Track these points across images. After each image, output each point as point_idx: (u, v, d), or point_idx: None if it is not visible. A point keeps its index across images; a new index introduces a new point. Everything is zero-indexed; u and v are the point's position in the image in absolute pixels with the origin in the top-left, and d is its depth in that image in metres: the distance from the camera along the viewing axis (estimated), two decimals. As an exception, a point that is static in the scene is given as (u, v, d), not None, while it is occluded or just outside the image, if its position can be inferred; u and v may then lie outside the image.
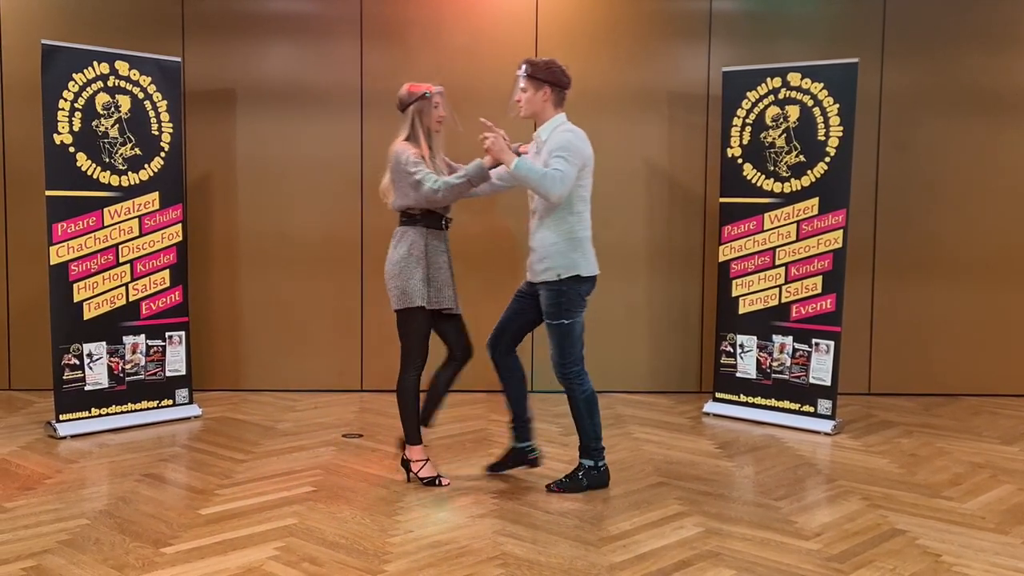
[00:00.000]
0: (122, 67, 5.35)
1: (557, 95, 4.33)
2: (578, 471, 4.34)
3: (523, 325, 4.48)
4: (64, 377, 5.22)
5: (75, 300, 5.24)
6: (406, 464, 4.38)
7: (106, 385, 5.38)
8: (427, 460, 4.37)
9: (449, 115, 4.36)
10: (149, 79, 5.47)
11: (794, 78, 5.54)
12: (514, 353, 4.49)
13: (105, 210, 5.32)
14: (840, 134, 5.40)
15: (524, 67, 4.29)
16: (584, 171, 4.24)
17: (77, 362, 5.27)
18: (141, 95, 5.44)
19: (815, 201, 5.49)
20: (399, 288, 4.22)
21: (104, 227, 5.32)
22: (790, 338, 5.60)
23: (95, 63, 5.25)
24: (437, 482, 4.33)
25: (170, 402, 5.62)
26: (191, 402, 5.71)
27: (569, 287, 4.23)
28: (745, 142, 5.72)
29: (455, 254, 4.48)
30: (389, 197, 4.31)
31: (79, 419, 5.26)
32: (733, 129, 5.76)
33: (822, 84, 5.44)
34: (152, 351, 5.55)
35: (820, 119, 5.46)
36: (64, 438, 5.13)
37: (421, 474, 4.34)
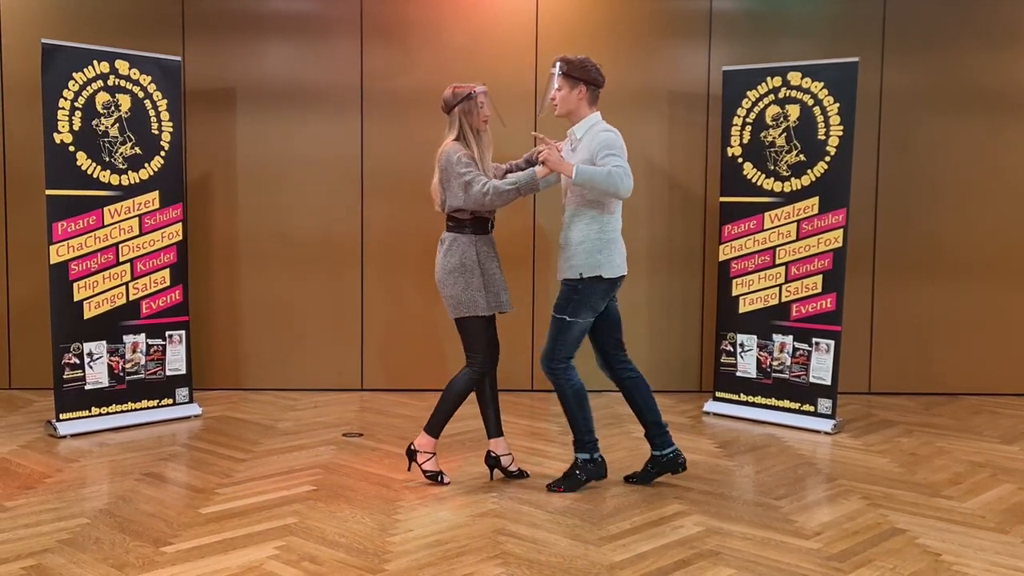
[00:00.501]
0: (122, 66, 5.35)
1: (592, 93, 4.33)
2: (574, 467, 4.34)
3: (611, 327, 4.45)
4: (64, 376, 5.22)
5: (75, 299, 5.24)
6: (412, 453, 4.39)
7: (106, 384, 5.38)
8: (434, 455, 4.38)
9: (494, 114, 4.37)
10: (149, 78, 5.47)
11: (794, 77, 5.53)
12: (624, 360, 4.46)
13: (105, 209, 5.32)
14: (840, 133, 5.40)
15: (559, 65, 4.26)
16: None
17: (77, 361, 5.27)
18: (141, 94, 5.44)
19: (815, 200, 5.49)
20: (455, 298, 4.24)
21: (104, 226, 5.32)
22: (790, 337, 5.60)
23: (95, 62, 5.25)
24: (439, 479, 4.34)
25: (170, 401, 5.62)
26: (191, 401, 5.71)
27: (587, 287, 4.24)
28: (745, 141, 5.72)
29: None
30: (438, 198, 4.29)
31: (79, 418, 5.26)
32: (733, 128, 5.76)
33: (822, 83, 5.44)
34: (152, 350, 5.55)
35: (820, 118, 5.46)
36: (64, 437, 5.13)
37: (425, 466, 4.35)
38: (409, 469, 4.41)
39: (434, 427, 4.38)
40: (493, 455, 4.47)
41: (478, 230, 4.28)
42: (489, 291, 4.28)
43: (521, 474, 4.49)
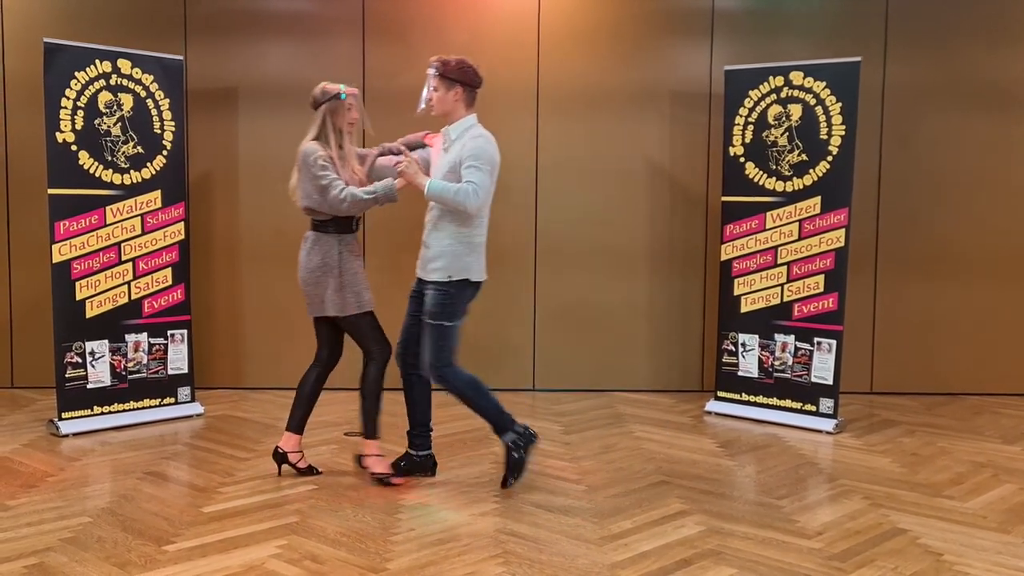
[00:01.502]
0: (124, 65, 5.36)
1: (468, 95, 4.28)
2: (509, 452, 4.31)
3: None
4: (66, 375, 5.23)
5: (77, 298, 5.24)
6: (360, 458, 4.42)
7: (108, 383, 5.38)
8: (302, 453, 4.45)
9: (362, 117, 4.34)
10: (151, 77, 5.47)
11: (796, 76, 5.53)
12: (419, 360, 4.38)
13: (107, 208, 5.33)
14: (842, 133, 5.40)
15: (435, 66, 4.22)
16: (492, 177, 4.23)
17: (79, 360, 5.28)
18: (143, 93, 5.44)
19: (817, 200, 5.48)
20: (318, 297, 4.25)
21: (106, 225, 5.33)
22: (792, 337, 5.60)
23: (97, 61, 5.25)
24: (387, 480, 4.34)
25: (172, 400, 5.63)
26: (193, 400, 5.72)
27: (457, 290, 4.22)
28: (747, 141, 5.72)
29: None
30: (296, 196, 4.27)
31: (81, 417, 5.26)
32: (735, 128, 5.76)
33: (824, 83, 5.43)
34: (154, 349, 5.56)
35: (822, 118, 5.45)
36: (66, 436, 5.13)
37: (374, 469, 4.35)
38: (363, 467, 4.42)
39: (372, 429, 4.37)
40: (281, 451, 4.45)
41: (342, 229, 4.26)
42: (349, 291, 4.24)
43: (311, 470, 4.48)
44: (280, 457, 4.45)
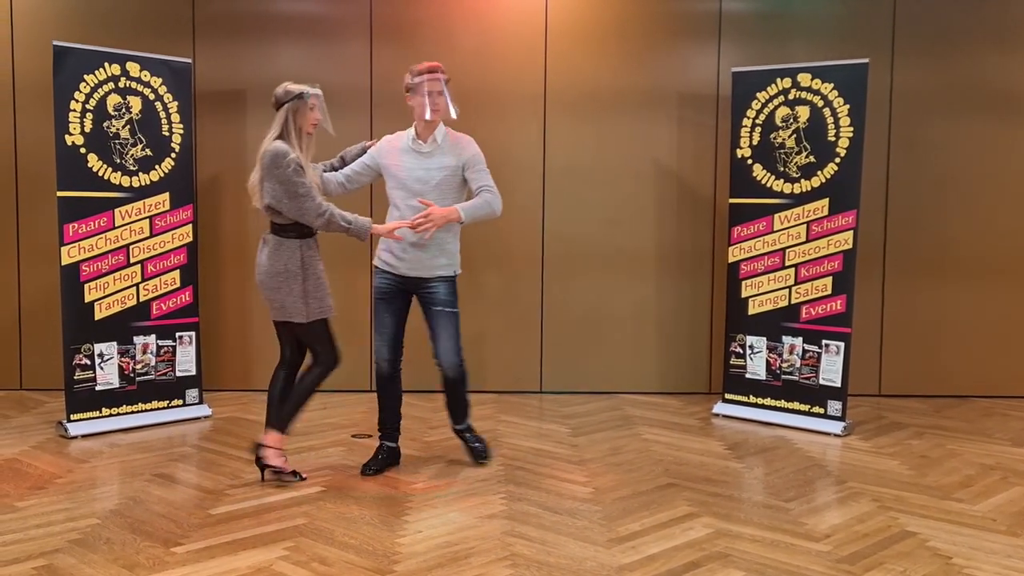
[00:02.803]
0: (133, 68, 5.37)
1: None
2: (478, 439, 4.75)
3: (404, 327, 4.66)
4: (75, 377, 5.24)
5: (86, 300, 5.26)
6: (260, 456, 4.33)
7: (117, 385, 5.40)
8: (282, 451, 4.39)
9: (324, 118, 4.32)
10: (160, 80, 5.49)
11: (804, 78, 5.52)
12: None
13: (116, 211, 5.34)
14: (850, 135, 5.39)
15: (444, 76, 4.42)
16: None
17: (88, 362, 5.29)
18: (152, 96, 5.46)
19: (825, 202, 5.47)
20: (279, 302, 4.22)
21: (115, 228, 5.34)
22: (800, 339, 5.59)
23: (106, 64, 5.27)
24: (296, 476, 4.35)
25: (180, 402, 5.64)
26: (201, 402, 5.73)
27: (456, 280, 4.56)
28: (755, 143, 5.71)
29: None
30: (256, 195, 4.22)
31: (90, 419, 5.28)
32: (743, 130, 5.75)
33: (832, 84, 5.43)
34: (162, 351, 5.57)
35: (830, 119, 5.45)
36: (75, 438, 5.15)
37: (270, 460, 4.31)
38: (263, 478, 4.36)
39: (284, 424, 4.32)
40: (262, 445, 4.39)
41: (304, 233, 4.23)
42: (313, 297, 4.23)
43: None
44: (259, 459, 4.36)
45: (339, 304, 6.38)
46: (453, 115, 4.38)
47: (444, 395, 4.69)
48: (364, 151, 4.67)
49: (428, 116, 4.35)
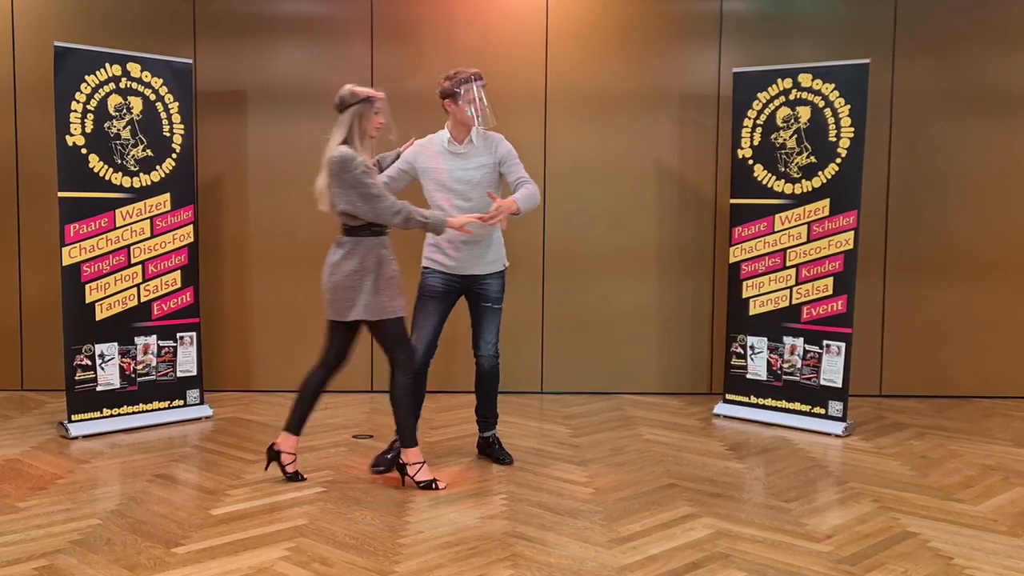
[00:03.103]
0: (134, 69, 5.38)
1: None
2: (498, 441, 4.80)
3: (442, 328, 4.68)
4: (76, 378, 5.24)
5: (87, 301, 5.26)
6: (402, 468, 4.34)
7: (118, 386, 5.40)
8: (423, 463, 4.34)
9: (388, 123, 4.32)
10: (160, 81, 5.49)
11: (805, 79, 5.52)
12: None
13: (117, 211, 5.35)
14: (851, 135, 5.39)
15: (482, 80, 4.51)
16: None
17: (89, 363, 5.30)
18: (153, 97, 5.46)
19: (826, 202, 5.47)
20: (352, 300, 4.17)
21: (116, 228, 5.35)
22: (801, 340, 5.59)
23: (107, 65, 5.28)
24: (434, 485, 4.31)
25: (181, 403, 5.64)
26: (202, 403, 5.73)
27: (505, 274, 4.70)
28: (756, 143, 5.71)
29: None
30: (326, 201, 4.21)
31: (91, 419, 5.28)
32: (744, 130, 5.75)
33: (833, 85, 5.42)
34: (163, 352, 5.57)
35: (831, 120, 5.44)
36: (76, 438, 5.15)
37: (417, 477, 4.31)
38: (403, 484, 4.36)
39: (408, 437, 4.30)
40: (276, 449, 4.40)
41: (377, 232, 4.22)
42: (386, 295, 4.21)
43: (297, 476, 4.43)
44: (274, 454, 4.40)
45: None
46: (494, 122, 4.45)
47: (477, 396, 4.74)
48: (399, 156, 4.65)
49: (479, 123, 4.42)
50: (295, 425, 4.40)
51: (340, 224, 4.25)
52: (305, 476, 4.43)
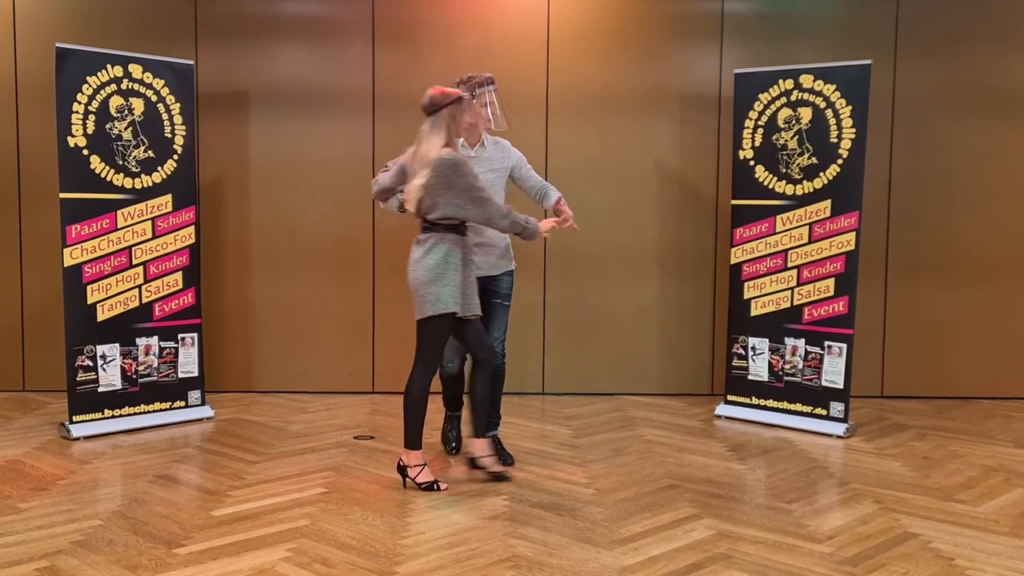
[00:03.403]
0: (135, 70, 5.38)
1: None
2: (499, 441, 4.79)
3: None
4: (78, 378, 5.25)
5: (89, 302, 5.27)
6: (402, 469, 4.33)
7: (119, 386, 5.40)
8: (424, 465, 4.34)
9: (497, 116, 4.51)
10: (162, 82, 5.49)
11: (806, 80, 5.52)
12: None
13: (119, 212, 5.35)
14: (853, 136, 5.38)
15: (495, 85, 4.59)
16: None
17: (91, 363, 5.30)
18: (154, 98, 5.47)
19: (827, 203, 5.47)
20: (434, 295, 4.15)
21: (117, 229, 5.35)
22: (802, 340, 5.58)
23: (109, 66, 5.28)
24: (435, 487, 4.31)
25: (183, 403, 5.64)
26: (203, 404, 5.73)
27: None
28: (757, 144, 5.71)
29: None
30: (415, 200, 4.16)
31: (92, 420, 5.28)
32: (745, 131, 5.75)
33: (835, 86, 5.42)
34: (165, 353, 5.57)
35: (832, 121, 5.44)
36: (77, 439, 5.15)
37: (419, 479, 4.31)
38: (405, 485, 4.35)
39: (412, 440, 4.28)
40: (471, 456, 4.45)
41: (460, 231, 4.23)
42: (465, 293, 4.22)
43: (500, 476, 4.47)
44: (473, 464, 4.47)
45: (340, 305, 6.41)
46: (506, 125, 4.55)
47: (473, 397, 4.72)
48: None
49: (496, 126, 4.50)
50: (482, 430, 4.45)
51: (419, 223, 4.27)
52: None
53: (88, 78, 5.21)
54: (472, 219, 4.17)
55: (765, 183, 5.68)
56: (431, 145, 4.13)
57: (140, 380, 5.48)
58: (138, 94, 5.40)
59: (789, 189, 5.60)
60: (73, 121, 5.18)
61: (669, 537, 3.73)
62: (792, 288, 5.61)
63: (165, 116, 5.52)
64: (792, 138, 5.58)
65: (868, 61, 5.40)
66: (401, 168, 4.32)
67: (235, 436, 5.28)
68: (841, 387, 5.43)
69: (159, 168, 5.50)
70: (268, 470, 4.60)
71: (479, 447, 4.45)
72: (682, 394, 6.43)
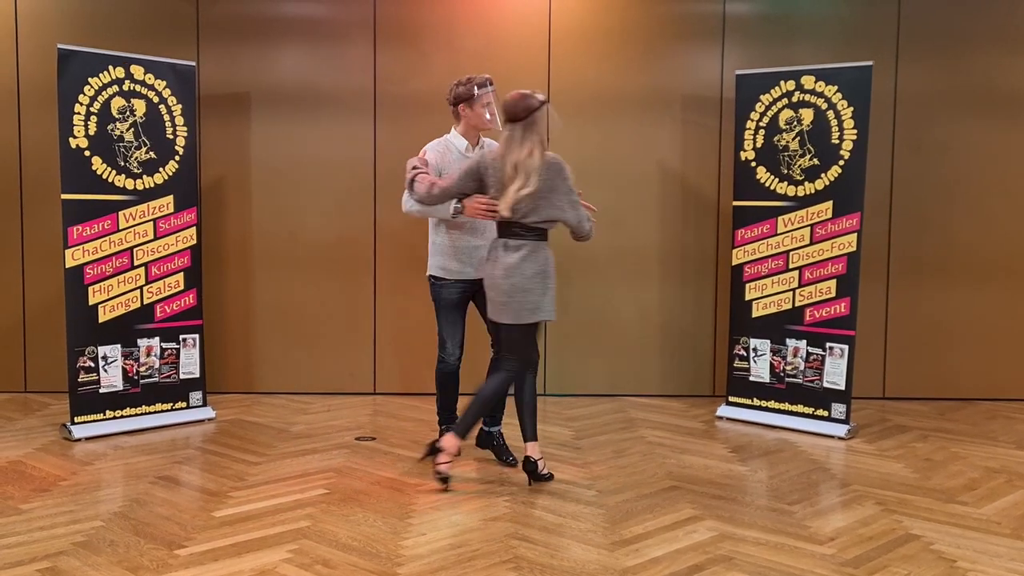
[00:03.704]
0: (137, 71, 5.38)
1: None
2: (502, 437, 4.81)
3: None
4: (79, 379, 5.25)
5: (90, 303, 5.27)
6: (435, 451, 4.32)
7: (121, 387, 5.41)
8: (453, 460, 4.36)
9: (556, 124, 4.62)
10: (164, 83, 5.49)
11: (808, 81, 5.52)
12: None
13: (120, 213, 5.35)
14: (854, 137, 5.38)
15: (493, 86, 4.59)
16: None
17: (92, 364, 5.30)
18: (156, 99, 5.47)
19: (829, 204, 5.47)
20: (533, 303, 4.19)
21: (119, 230, 5.35)
22: (804, 342, 5.58)
23: (110, 67, 5.28)
24: (446, 484, 4.31)
25: (184, 404, 5.64)
26: (205, 404, 5.73)
27: None
28: (759, 145, 5.71)
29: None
30: (509, 204, 4.12)
31: (94, 421, 5.28)
32: (746, 132, 5.75)
33: (836, 87, 5.42)
34: (166, 354, 5.57)
35: (834, 122, 5.44)
36: (79, 440, 5.15)
37: (441, 468, 4.31)
38: (421, 458, 4.38)
39: (464, 430, 4.31)
40: (531, 459, 4.42)
41: (546, 238, 4.28)
42: (549, 297, 4.29)
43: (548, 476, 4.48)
44: (531, 465, 4.39)
45: (341, 306, 6.41)
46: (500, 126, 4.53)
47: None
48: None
49: (496, 127, 4.48)
50: (530, 432, 4.43)
51: (509, 229, 4.23)
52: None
53: (90, 79, 5.21)
54: (567, 221, 4.19)
55: (766, 184, 5.68)
56: (524, 150, 4.10)
57: (141, 381, 5.48)
58: (140, 95, 5.40)
59: (791, 190, 5.60)
60: (75, 122, 5.18)
61: (671, 538, 3.73)
62: (794, 289, 5.61)
63: (167, 117, 5.52)
64: (793, 139, 5.58)
65: (870, 62, 5.40)
66: (474, 172, 4.25)
67: (236, 437, 5.28)
68: (843, 388, 5.43)
69: (161, 169, 5.50)
70: (269, 471, 4.60)
71: (532, 449, 4.42)
72: (683, 395, 6.43)
